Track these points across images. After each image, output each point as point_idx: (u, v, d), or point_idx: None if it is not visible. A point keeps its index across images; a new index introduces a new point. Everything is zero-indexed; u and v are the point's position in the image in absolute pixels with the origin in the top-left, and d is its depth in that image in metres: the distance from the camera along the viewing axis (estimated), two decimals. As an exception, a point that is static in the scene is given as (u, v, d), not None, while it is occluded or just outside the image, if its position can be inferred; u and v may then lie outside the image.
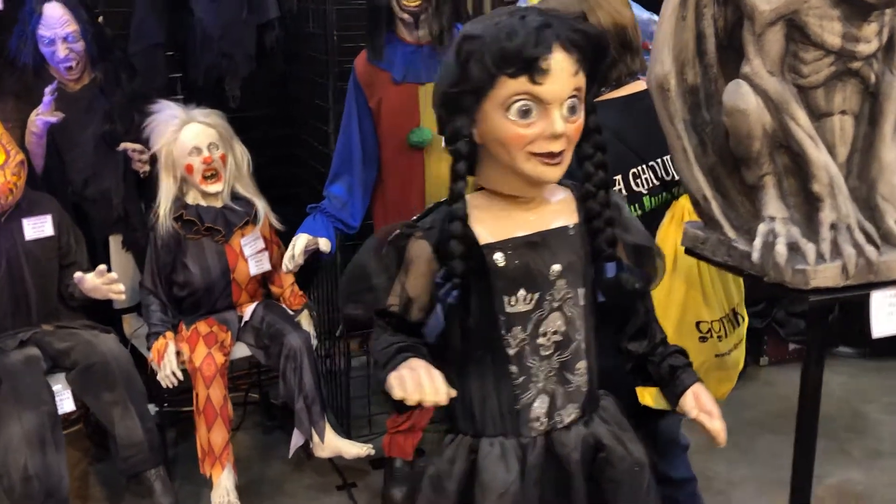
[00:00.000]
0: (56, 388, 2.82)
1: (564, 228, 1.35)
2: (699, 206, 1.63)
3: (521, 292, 1.31)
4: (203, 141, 2.92)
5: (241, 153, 3.04)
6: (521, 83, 1.22)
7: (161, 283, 3.00)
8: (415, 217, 1.35)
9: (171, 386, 2.90)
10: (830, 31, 1.48)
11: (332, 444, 2.96)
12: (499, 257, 1.30)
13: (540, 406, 1.35)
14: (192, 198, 3.00)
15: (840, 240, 1.47)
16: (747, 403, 3.51)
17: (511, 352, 1.33)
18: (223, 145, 2.96)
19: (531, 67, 1.21)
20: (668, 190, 1.85)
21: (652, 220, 1.84)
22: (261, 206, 3.06)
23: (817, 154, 1.50)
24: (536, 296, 1.32)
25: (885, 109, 1.53)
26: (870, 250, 1.45)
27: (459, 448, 1.36)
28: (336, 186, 2.80)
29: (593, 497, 1.37)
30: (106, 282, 2.84)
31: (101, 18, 3.16)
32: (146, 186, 3.16)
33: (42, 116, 2.93)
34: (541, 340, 1.34)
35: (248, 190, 3.07)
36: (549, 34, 1.21)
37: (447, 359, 1.32)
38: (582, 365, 1.38)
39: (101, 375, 2.83)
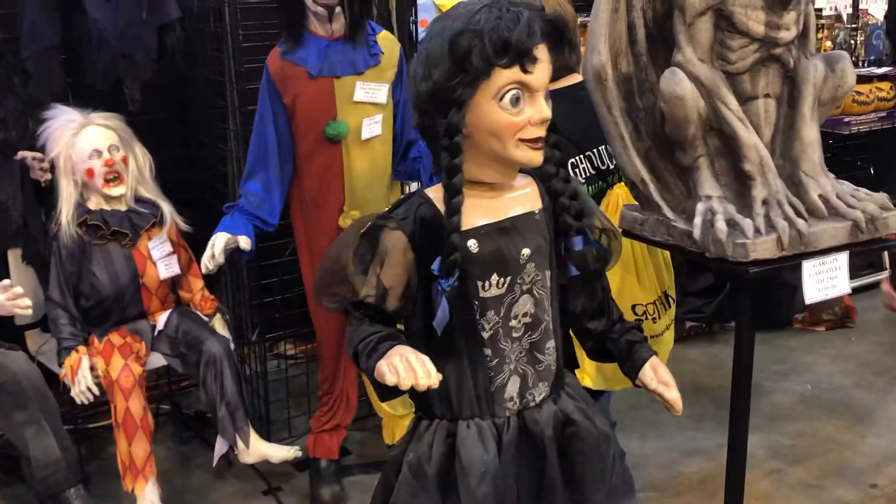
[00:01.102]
0: (-39, 411, 2.68)
1: (530, 214, 1.40)
2: (637, 189, 1.71)
3: (494, 277, 1.35)
4: (103, 143, 2.83)
5: (143, 155, 2.96)
6: (514, 72, 1.27)
7: (69, 295, 2.88)
8: (387, 208, 1.37)
9: (86, 402, 2.79)
10: (755, 19, 1.58)
11: (258, 449, 2.92)
12: (472, 244, 1.33)
13: (513, 386, 1.40)
14: (94, 203, 2.89)
15: (772, 214, 1.57)
16: (652, 381, 3.67)
17: (485, 335, 1.37)
18: (124, 147, 2.88)
19: (525, 57, 1.26)
20: (604, 179, 1.93)
21: None
22: (166, 207, 2.99)
23: (747, 135, 1.60)
24: (508, 280, 1.36)
25: (803, 92, 1.65)
26: (800, 223, 1.56)
27: (437, 432, 1.39)
28: (252, 184, 2.76)
29: (564, 470, 1.42)
30: (10, 297, 2.69)
31: (-13, 21, 3.01)
32: (46, 196, 3.03)
33: (-72, 126, 2.77)
34: (512, 323, 1.38)
35: (151, 193, 2.99)
36: (537, 25, 1.26)
37: (424, 345, 1.34)
38: (550, 345, 1.43)
39: (12, 395, 2.70)
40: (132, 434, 2.78)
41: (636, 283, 1.96)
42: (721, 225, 1.56)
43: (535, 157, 1.32)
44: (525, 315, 1.39)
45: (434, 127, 1.32)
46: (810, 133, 1.64)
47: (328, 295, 1.34)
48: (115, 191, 2.86)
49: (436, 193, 1.37)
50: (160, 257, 2.98)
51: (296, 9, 2.57)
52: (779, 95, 1.67)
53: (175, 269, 3.02)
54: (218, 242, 2.65)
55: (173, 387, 3.56)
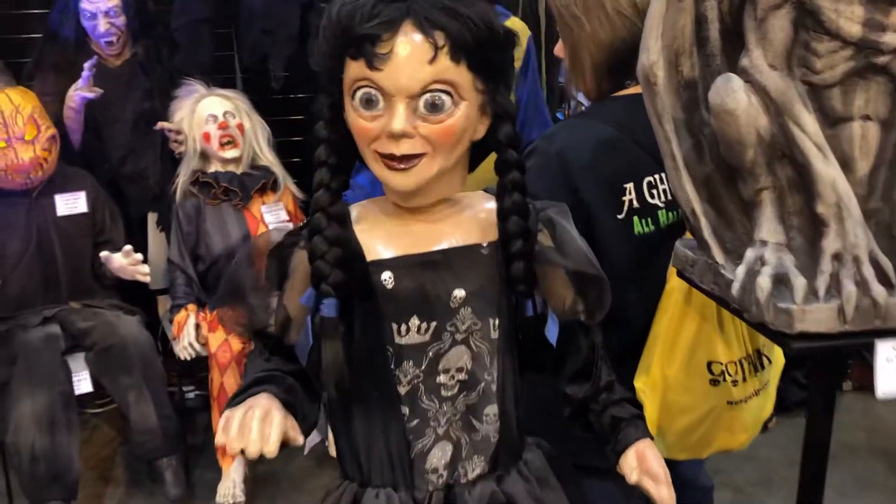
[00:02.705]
0: (74, 368, 2.79)
1: (476, 247, 1.13)
2: (689, 221, 1.38)
3: (414, 320, 1.10)
4: (219, 109, 2.94)
5: (261, 126, 3.06)
6: (361, 67, 1.04)
7: (186, 256, 2.97)
8: (301, 223, 1.17)
9: (188, 358, 2.87)
10: (848, 16, 1.20)
11: (348, 444, 2.83)
12: (387, 277, 1.10)
13: (439, 455, 1.14)
14: (212, 169, 2.99)
15: (843, 274, 1.19)
16: (820, 432, 3.18)
17: (402, 390, 1.12)
18: (240, 115, 2.99)
19: (364, 49, 1.02)
20: (689, 205, 1.57)
21: (667, 237, 1.58)
22: (280, 174, 3.03)
23: (824, 168, 1.22)
24: (433, 325, 1.11)
25: (920, 115, 1.24)
26: (877, 290, 1.17)
27: (343, 496, 1.17)
28: (361, 176, 2.63)
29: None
30: (132, 262, 2.80)
31: (145, -8, 3.10)
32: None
33: (80, 91, 2.91)
34: (442, 378, 1.12)
35: (268, 162, 3.04)
36: (396, 10, 1.01)
37: (330, 391, 1.13)
38: (491, 410, 1.16)
39: (119, 358, 2.78)
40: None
41: (716, 335, 1.59)
42: (764, 281, 1.20)
43: (393, 179, 1.07)
44: (459, 370, 1.13)
45: None
46: (922, 170, 1.23)
47: (232, 318, 1.16)
48: (230, 153, 2.94)
49: (360, 210, 1.15)
50: (274, 222, 3.01)
51: None
52: (885, 118, 1.27)
53: None
54: None
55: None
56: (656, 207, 1.61)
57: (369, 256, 1.11)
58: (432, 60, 1.02)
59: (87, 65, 2.84)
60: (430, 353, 1.11)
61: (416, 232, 1.12)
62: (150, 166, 3.11)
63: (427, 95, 1.04)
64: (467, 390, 1.13)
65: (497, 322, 1.14)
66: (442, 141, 1.06)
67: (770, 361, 1.68)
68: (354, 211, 1.17)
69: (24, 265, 2.86)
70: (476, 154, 1.15)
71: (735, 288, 1.24)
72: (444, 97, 1.05)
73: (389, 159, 1.06)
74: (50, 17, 3.05)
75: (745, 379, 1.63)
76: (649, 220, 1.60)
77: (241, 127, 2.95)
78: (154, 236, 3.22)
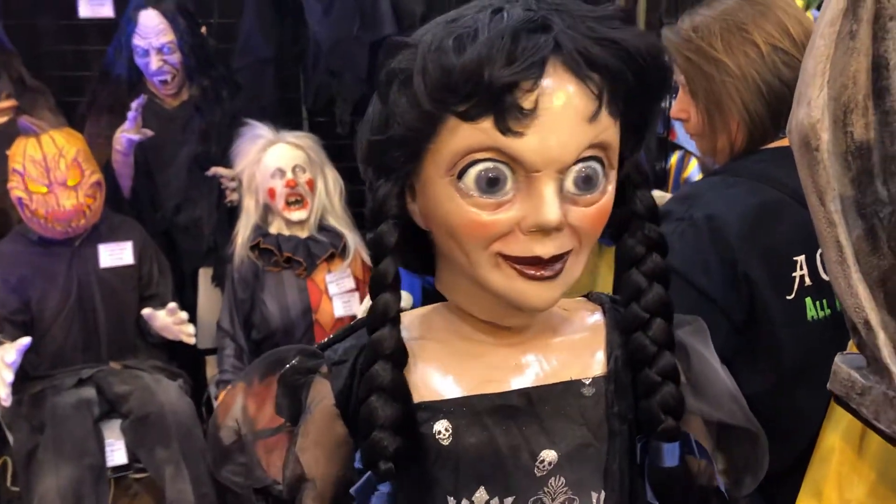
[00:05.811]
0: (109, 436, 2.54)
1: (574, 385, 0.79)
2: (858, 334, 1.03)
3: (481, 494, 0.77)
4: (287, 163, 2.59)
5: (334, 180, 2.69)
6: (483, 131, 0.70)
7: (238, 324, 2.66)
8: (328, 338, 0.85)
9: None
10: None
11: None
12: (442, 428, 0.77)
13: None
14: (275, 227, 2.68)
15: None
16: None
17: None
18: (311, 169, 2.63)
19: (499, 103, 0.69)
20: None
21: (846, 324, 1.25)
22: (351, 239, 2.68)
23: None
24: (509, 502, 0.77)
25: None
26: None
27: None
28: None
29: None
30: (176, 321, 2.55)
31: (204, 29, 2.87)
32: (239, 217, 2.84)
33: (125, 133, 2.68)
34: None
35: (339, 222, 2.70)
36: (542, 43, 0.68)
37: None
38: None
39: (156, 428, 2.52)
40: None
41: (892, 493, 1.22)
42: None
43: (532, 294, 0.74)
44: None
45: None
46: None
47: (229, 465, 0.86)
48: (296, 215, 2.60)
49: (409, 323, 0.83)
50: (338, 293, 2.67)
51: None
52: None
53: (354, 310, 2.69)
54: None
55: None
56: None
57: (418, 395, 0.78)
58: (592, 118, 0.71)
59: (133, 104, 2.60)
60: None
61: (489, 362, 0.79)
62: (205, 216, 2.85)
63: (579, 166, 0.73)
64: None
65: (602, 497, 0.79)
66: (592, 231, 0.75)
67: None
68: (411, 319, 0.84)
69: (63, 320, 2.63)
70: None
71: (940, 444, 0.88)
72: (597, 167, 0.74)
73: (530, 265, 0.73)
74: (105, 54, 2.85)
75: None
76: (825, 301, 1.31)
77: (311, 183, 2.59)
78: (206, 292, 2.96)
